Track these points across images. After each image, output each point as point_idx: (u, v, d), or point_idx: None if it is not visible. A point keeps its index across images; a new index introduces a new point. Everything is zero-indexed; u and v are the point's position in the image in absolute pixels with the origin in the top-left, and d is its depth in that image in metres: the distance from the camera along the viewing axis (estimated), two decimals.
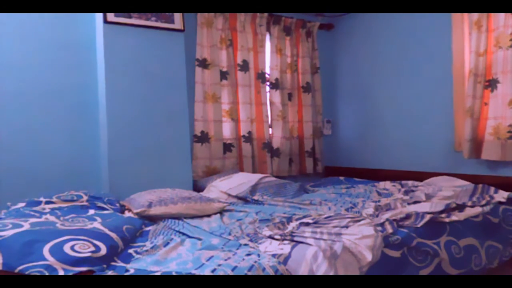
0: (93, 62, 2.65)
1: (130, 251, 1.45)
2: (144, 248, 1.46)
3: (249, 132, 3.20)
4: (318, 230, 1.55)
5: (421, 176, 2.81)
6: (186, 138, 2.80)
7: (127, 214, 2.00)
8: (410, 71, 3.06)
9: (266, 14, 3.26)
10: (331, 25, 3.72)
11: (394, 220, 1.69)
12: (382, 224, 1.63)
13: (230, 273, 1.20)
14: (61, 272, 1.16)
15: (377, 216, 1.83)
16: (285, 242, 1.47)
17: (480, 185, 2.29)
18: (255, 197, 2.44)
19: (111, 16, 2.49)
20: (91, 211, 1.85)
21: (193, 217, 1.99)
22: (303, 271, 1.30)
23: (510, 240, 1.95)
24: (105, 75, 2.50)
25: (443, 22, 2.78)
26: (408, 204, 2.09)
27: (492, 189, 2.22)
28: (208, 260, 1.31)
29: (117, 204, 2.10)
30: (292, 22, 3.41)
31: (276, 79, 3.36)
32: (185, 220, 1.91)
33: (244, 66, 3.19)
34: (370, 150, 3.42)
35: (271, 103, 3.36)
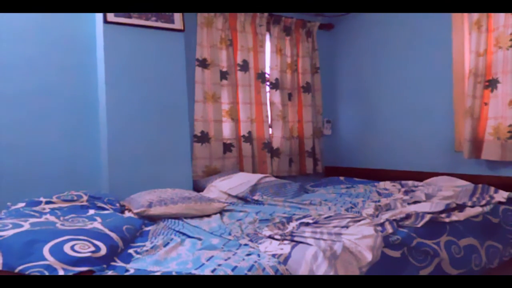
0: (93, 62, 2.65)
1: (130, 251, 1.45)
2: (144, 248, 1.46)
3: (249, 132, 3.20)
4: (318, 230, 1.55)
5: (421, 176, 2.81)
6: (186, 138, 2.80)
7: (127, 214, 2.00)
8: (410, 71, 3.06)
9: (266, 14, 3.26)
10: (331, 25, 3.72)
11: (394, 220, 1.69)
12: (382, 224, 1.63)
13: (230, 273, 1.20)
14: (61, 272, 1.16)
15: (377, 216, 1.83)
16: (285, 242, 1.47)
17: (480, 185, 2.28)
18: (255, 197, 2.44)
19: (111, 16, 2.49)
20: (91, 211, 1.85)
21: (193, 217, 1.99)
22: (303, 271, 1.30)
23: (510, 240, 1.94)
24: (105, 75, 2.50)
25: (443, 22, 2.78)
26: (408, 204, 2.09)
27: (492, 189, 2.22)
28: (208, 260, 1.31)
29: (117, 204, 2.11)
30: (292, 22, 3.41)
31: (276, 79, 3.36)
32: (185, 220, 1.91)
33: (244, 66, 3.19)
34: (370, 150, 3.42)
35: (271, 103, 3.36)
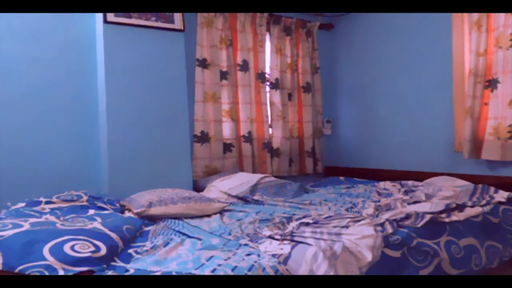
0: (93, 62, 2.65)
1: (130, 251, 1.45)
2: (144, 248, 1.46)
3: (249, 132, 3.19)
4: (318, 230, 1.55)
5: (421, 176, 2.81)
6: (186, 138, 2.80)
7: (127, 214, 2.00)
8: (410, 71, 3.06)
9: (266, 14, 3.26)
10: (331, 25, 3.72)
11: (394, 220, 1.69)
12: (382, 224, 1.63)
13: (230, 273, 1.20)
14: (61, 272, 1.16)
15: (377, 216, 1.83)
16: (285, 242, 1.47)
17: (480, 185, 2.29)
18: (255, 197, 2.44)
19: (111, 16, 2.49)
20: (91, 211, 1.85)
21: (193, 217, 1.99)
22: (303, 271, 1.30)
23: (510, 240, 1.95)
24: (105, 75, 2.50)
25: (443, 22, 2.78)
26: (408, 204, 2.09)
27: (492, 189, 2.22)
28: (208, 260, 1.31)
29: (117, 204, 2.11)
30: (292, 22, 3.41)
31: (276, 79, 3.36)
32: (185, 220, 1.91)
33: (244, 66, 3.19)
34: (370, 150, 3.42)
35: (271, 103, 3.36)
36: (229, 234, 1.65)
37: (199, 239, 1.57)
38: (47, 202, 1.89)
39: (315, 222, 1.68)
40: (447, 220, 1.77)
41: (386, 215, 1.77)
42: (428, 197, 2.20)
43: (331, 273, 1.29)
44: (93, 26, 2.63)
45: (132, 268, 1.28)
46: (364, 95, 3.47)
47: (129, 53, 2.57)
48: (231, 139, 3.13)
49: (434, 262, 1.60)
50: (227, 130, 3.12)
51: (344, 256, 1.37)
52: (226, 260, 1.30)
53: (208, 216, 2.03)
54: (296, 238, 1.48)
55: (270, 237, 1.56)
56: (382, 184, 2.74)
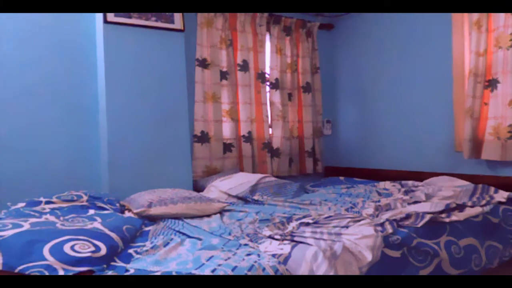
0: (93, 62, 2.65)
1: (130, 251, 1.45)
2: (144, 248, 1.46)
3: (249, 132, 3.19)
4: (318, 230, 1.55)
5: (421, 176, 2.81)
6: (186, 138, 2.80)
7: (127, 214, 2.00)
8: (410, 71, 3.06)
9: (266, 14, 3.26)
10: (331, 25, 3.72)
11: (394, 220, 1.69)
12: (382, 224, 1.63)
13: (230, 273, 1.20)
14: (61, 272, 1.16)
15: (377, 216, 1.83)
16: (285, 242, 1.47)
17: (480, 185, 2.29)
18: (255, 197, 2.44)
19: (111, 16, 2.49)
20: (91, 211, 1.85)
21: (193, 217, 1.99)
22: (303, 271, 1.30)
23: (510, 240, 1.95)
24: (105, 75, 2.50)
25: (443, 22, 2.78)
26: (408, 204, 2.09)
27: (492, 189, 2.22)
28: (208, 260, 1.31)
29: (117, 204, 2.10)
30: (292, 22, 3.41)
31: (276, 79, 3.36)
32: (185, 220, 1.91)
33: (244, 66, 3.19)
34: (370, 150, 3.42)
35: (271, 103, 3.36)
36: (229, 234, 1.65)
37: (199, 239, 1.57)
38: (47, 202, 1.89)
39: (315, 222, 1.68)
40: (447, 220, 1.77)
41: (386, 215, 1.77)
42: (428, 197, 2.20)
43: (331, 273, 1.29)
44: (93, 26, 2.63)
45: (132, 268, 1.28)
46: (364, 95, 3.47)
47: (129, 53, 2.57)
48: (231, 139, 3.13)
49: (434, 262, 1.60)
50: (227, 130, 3.12)
51: (344, 256, 1.37)
52: (226, 260, 1.30)
53: (208, 216, 2.02)
54: (296, 238, 1.48)
55: (270, 237, 1.56)
56: (382, 184, 2.74)
